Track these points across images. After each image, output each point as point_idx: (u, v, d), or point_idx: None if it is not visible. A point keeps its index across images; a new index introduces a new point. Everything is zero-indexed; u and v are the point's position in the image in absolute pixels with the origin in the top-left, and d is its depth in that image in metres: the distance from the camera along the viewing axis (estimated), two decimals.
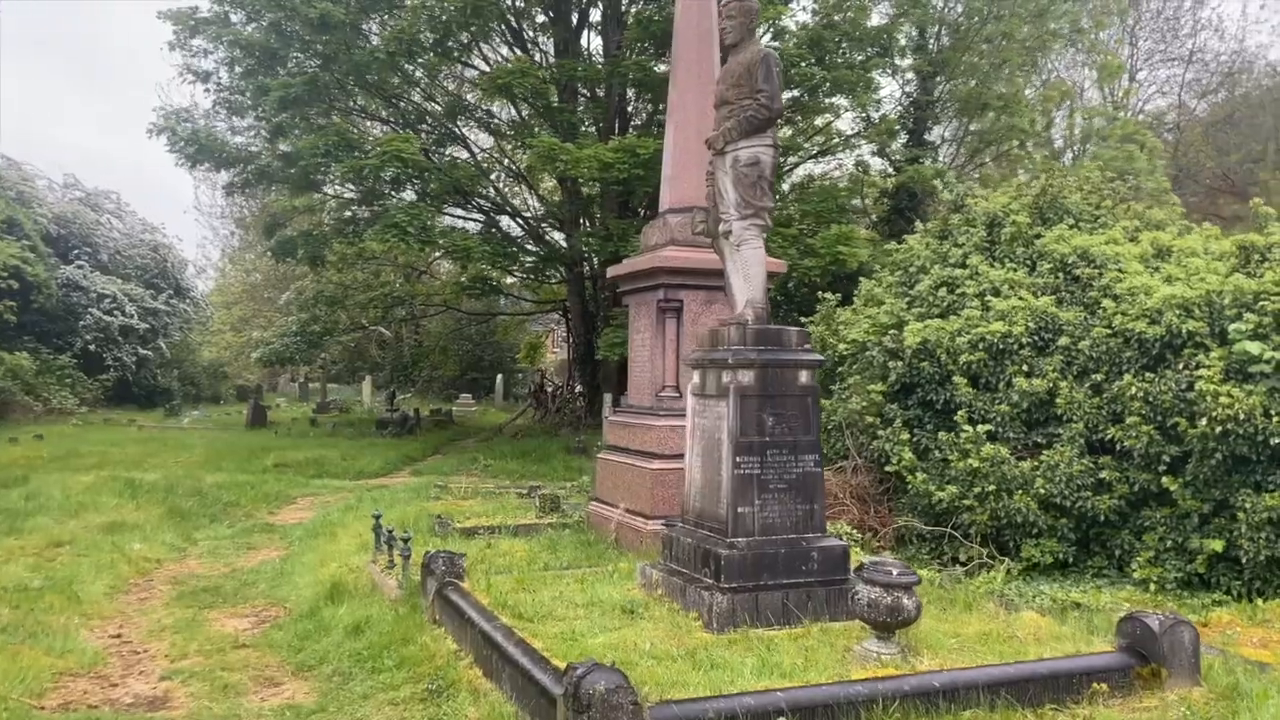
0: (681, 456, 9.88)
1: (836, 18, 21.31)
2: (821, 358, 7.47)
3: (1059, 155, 22.61)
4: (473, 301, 31.73)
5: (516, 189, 30.38)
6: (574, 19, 25.24)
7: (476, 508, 12.94)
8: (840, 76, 20.02)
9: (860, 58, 21.92)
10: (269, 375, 49.39)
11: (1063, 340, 9.97)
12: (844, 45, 21.20)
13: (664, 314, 10.13)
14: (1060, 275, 10.76)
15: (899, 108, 25.15)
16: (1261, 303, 8.62)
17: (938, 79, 23.51)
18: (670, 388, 10.12)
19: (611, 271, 11.20)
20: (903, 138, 24.34)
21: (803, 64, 18.94)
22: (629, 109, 25.50)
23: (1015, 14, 21.81)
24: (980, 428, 9.85)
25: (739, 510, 6.89)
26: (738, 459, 6.89)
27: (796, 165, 24.49)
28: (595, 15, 26.64)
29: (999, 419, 9.97)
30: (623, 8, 25.06)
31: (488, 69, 24.62)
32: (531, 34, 25.42)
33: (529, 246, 24.58)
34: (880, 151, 24.60)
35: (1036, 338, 10.21)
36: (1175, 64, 35.86)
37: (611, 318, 19.13)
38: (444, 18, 19.93)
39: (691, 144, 10.53)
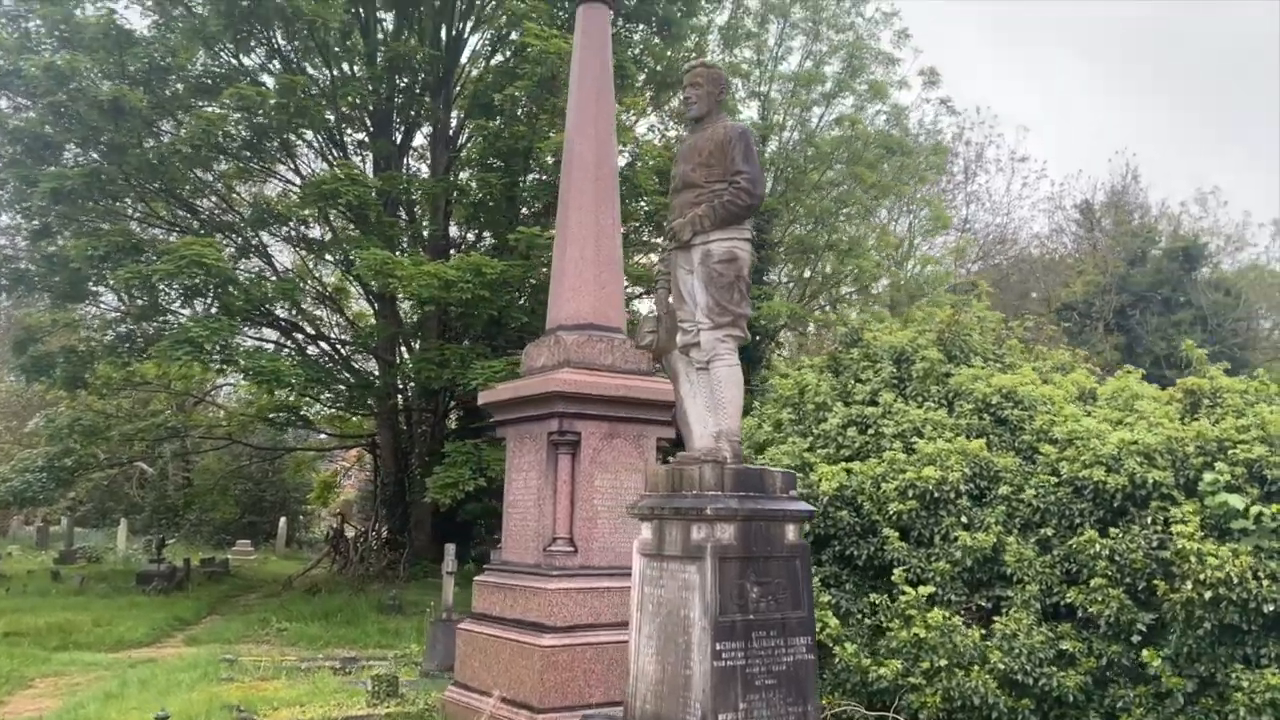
0: (579, 629, 8.01)
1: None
2: (811, 508, 5.91)
3: (902, 302, 22.95)
4: (271, 433, 28.30)
5: (319, 311, 27.75)
6: (399, 136, 23.72)
7: (285, 692, 10.30)
8: None
9: None
10: None
11: (1003, 489, 8.91)
12: None
13: (557, 449, 8.34)
14: (985, 416, 9.83)
15: None
16: (1232, 451, 7.88)
17: (775, 222, 23.45)
18: (563, 540, 8.24)
19: (485, 398, 9.32)
20: None
21: (653, 191, 18.04)
22: (452, 233, 23.89)
23: (861, 159, 22.25)
24: (922, 589, 8.51)
25: (720, 718, 5.08)
26: (718, 646, 5.13)
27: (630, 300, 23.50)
28: (419, 139, 25.28)
29: (938, 578, 8.68)
30: (452, 130, 23.82)
31: (298, 179, 22.47)
32: (355, 146, 23.62)
33: (343, 374, 21.97)
34: None
35: (972, 485, 9.13)
36: (950, 233, 38.83)
37: (442, 454, 16.87)
38: (261, 116, 17.82)
39: (589, 254, 9.07)
